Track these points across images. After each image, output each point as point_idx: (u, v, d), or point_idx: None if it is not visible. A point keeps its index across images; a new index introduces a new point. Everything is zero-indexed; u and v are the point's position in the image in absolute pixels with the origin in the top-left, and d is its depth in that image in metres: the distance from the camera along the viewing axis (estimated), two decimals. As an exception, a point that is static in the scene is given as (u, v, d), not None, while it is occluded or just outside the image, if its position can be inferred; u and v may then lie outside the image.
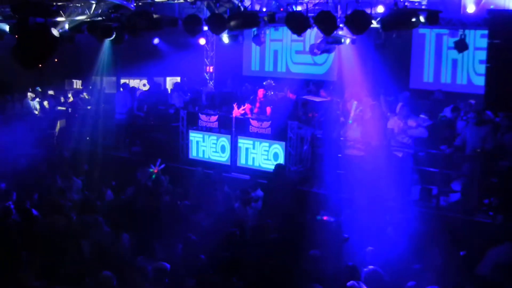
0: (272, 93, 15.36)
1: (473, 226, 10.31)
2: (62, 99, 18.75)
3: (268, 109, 14.26)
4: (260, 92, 14.81)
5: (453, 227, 9.82)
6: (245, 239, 8.91)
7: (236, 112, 14.06)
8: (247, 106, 14.56)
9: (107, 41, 15.03)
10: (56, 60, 18.25)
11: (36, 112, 17.53)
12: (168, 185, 12.14)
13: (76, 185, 11.90)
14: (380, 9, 13.18)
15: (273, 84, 15.59)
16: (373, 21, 11.80)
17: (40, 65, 9.00)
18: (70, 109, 18.01)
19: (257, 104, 14.57)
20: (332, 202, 11.08)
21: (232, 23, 12.59)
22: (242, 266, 7.54)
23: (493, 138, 11.10)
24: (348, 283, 6.91)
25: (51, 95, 18.67)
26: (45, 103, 17.88)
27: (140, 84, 20.87)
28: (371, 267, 7.51)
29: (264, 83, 15.64)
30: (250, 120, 13.65)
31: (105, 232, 8.93)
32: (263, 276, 7.47)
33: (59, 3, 12.72)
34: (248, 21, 12.50)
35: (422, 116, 12.69)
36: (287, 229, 9.18)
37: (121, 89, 17.87)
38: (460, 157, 11.35)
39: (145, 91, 19.10)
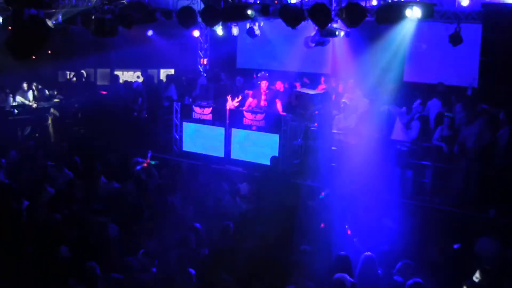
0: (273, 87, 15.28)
1: (466, 220, 10.34)
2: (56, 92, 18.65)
3: (278, 102, 14.12)
4: (264, 84, 14.69)
5: (446, 221, 9.85)
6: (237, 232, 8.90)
7: (230, 104, 14.04)
8: (252, 100, 14.46)
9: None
10: (49, 51, 18.15)
11: (32, 104, 17.40)
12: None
13: (66, 177, 11.84)
14: (375, 1, 13.17)
15: (267, 75, 15.54)
16: (368, 14, 11.76)
17: (33, 57, 8.92)
18: (63, 101, 17.92)
19: (263, 97, 14.46)
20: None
21: (226, 15, 12.57)
22: (234, 260, 7.55)
23: (488, 133, 11.08)
24: (336, 275, 6.93)
25: (41, 88, 18.53)
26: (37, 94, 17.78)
27: (134, 76, 20.84)
28: (368, 253, 7.56)
29: (259, 74, 15.58)
30: (244, 112, 13.64)
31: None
32: (254, 269, 7.49)
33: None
34: (242, 13, 12.47)
35: None
36: (280, 222, 9.19)
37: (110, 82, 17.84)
38: (459, 152, 11.37)
39: (140, 82, 19.05)
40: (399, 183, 11.65)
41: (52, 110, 16.87)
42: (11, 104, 17.02)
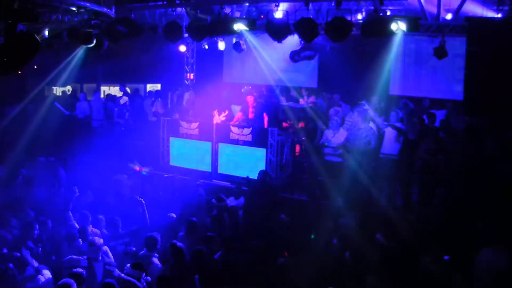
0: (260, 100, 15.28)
1: (452, 232, 10.35)
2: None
3: (266, 116, 14.14)
4: (251, 99, 14.73)
5: (435, 232, 9.86)
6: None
7: (217, 119, 14.04)
8: (240, 115, 14.47)
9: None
10: (36, 66, 18.07)
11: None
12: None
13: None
14: (360, 16, 13.27)
15: (250, 88, 15.56)
16: (353, 28, 11.85)
17: (19, 72, 8.94)
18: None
19: (251, 110, 14.47)
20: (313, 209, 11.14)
21: (212, 30, 12.62)
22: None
23: (472, 144, 11.15)
24: None
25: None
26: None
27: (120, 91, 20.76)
28: None
29: (242, 90, 15.61)
30: (231, 127, 13.63)
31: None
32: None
33: (39, 10, 12.63)
34: (228, 28, 12.53)
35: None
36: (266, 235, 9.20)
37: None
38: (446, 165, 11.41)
39: (128, 98, 18.98)
40: (388, 196, 11.68)
41: None
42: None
